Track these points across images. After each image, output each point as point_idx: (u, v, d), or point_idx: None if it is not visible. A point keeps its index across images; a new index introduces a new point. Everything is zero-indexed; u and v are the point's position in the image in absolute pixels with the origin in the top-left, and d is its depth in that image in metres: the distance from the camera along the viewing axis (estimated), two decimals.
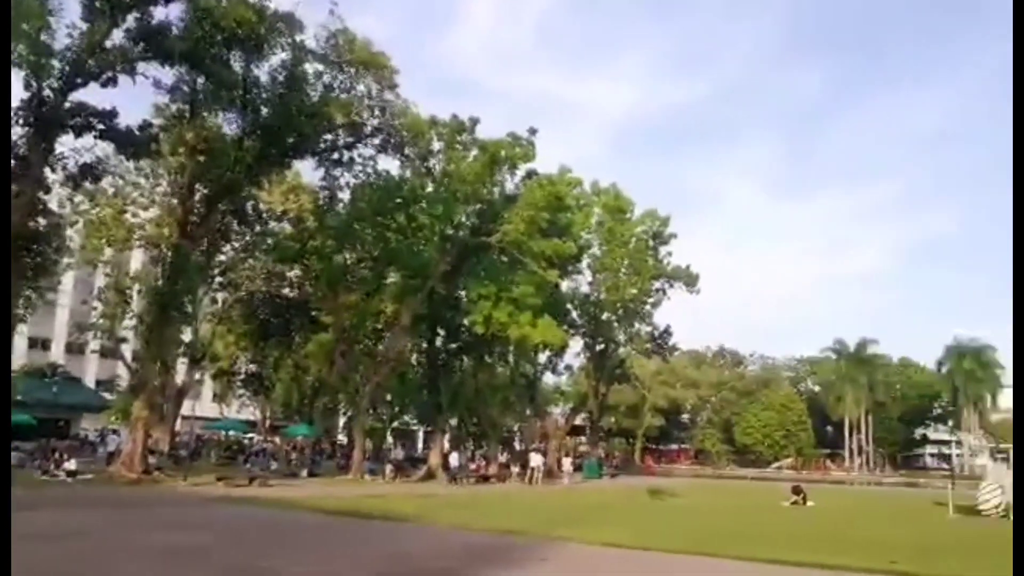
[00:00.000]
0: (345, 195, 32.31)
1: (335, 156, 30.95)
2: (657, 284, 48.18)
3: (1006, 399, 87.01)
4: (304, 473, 30.90)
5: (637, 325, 50.06)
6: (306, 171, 31.83)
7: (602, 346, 49.73)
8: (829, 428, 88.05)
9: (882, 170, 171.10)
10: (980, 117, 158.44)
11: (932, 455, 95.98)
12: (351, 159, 31.34)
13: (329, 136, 30.28)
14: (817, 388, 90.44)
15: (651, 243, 47.65)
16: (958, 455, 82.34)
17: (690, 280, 48.04)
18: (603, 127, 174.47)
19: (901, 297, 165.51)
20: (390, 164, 42.72)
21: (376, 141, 31.24)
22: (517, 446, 56.58)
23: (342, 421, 50.91)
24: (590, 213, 45.73)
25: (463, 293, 35.14)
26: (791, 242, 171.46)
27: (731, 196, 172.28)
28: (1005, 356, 78.35)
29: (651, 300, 48.74)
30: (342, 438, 48.63)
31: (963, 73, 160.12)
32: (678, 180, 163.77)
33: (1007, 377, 77.16)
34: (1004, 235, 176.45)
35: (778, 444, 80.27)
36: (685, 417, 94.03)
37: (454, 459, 35.66)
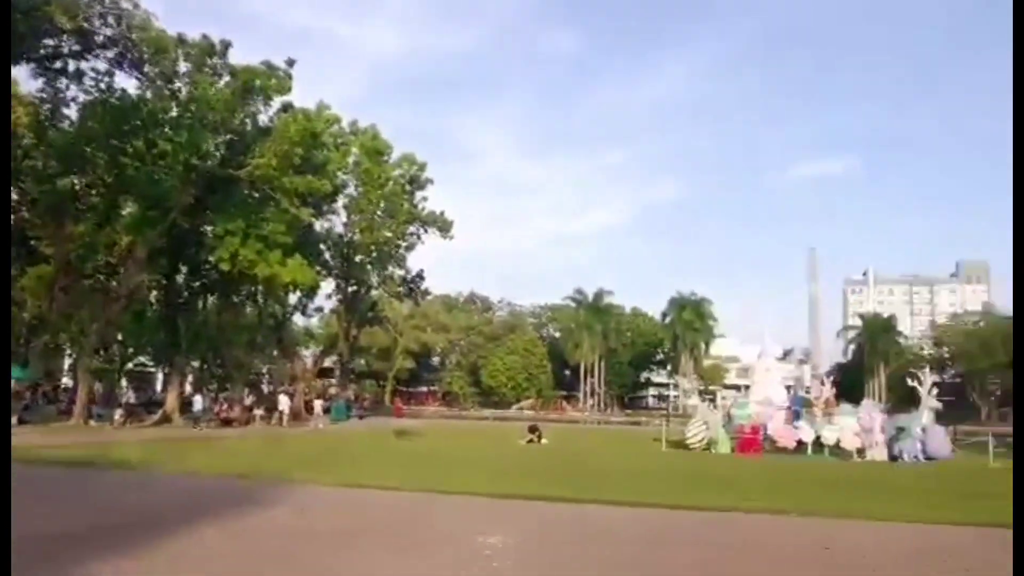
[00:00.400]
0: (73, 112, 30.47)
1: (59, 65, 29.16)
2: (412, 228, 50.44)
3: (717, 347, 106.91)
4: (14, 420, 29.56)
5: (390, 268, 51.93)
6: (23, 78, 29.35)
7: (354, 288, 51.15)
8: (567, 372, 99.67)
9: (622, 137, 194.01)
10: (713, 92, 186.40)
11: (654, 396, 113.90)
12: (79, 71, 29.67)
13: (51, 41, 28.46)
14: (558, 334, 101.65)
15: (407, 187, 49.47)
16: (675, 396, 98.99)
17: (444, 226, 50.86)
18: (366, 69, 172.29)
19: (635, 254, 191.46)
20: (128, 83, 39.88)
21: (110, 54, 29.82)
22: (265, 389, 56.98)
23: (68, 363, 47.34)
24: (347, 152, 46.40)
25: (209, 228, 34.26)
26: (539, 197, 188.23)
27: (486, 149, 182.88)
28: (719, 309, 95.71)
29: (405, 244, 50.88)
30: (68, 381, 45.51)
31: (701, 48, 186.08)
32: (436, 128, 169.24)
33: (720, 328, 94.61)
34: (721, 204, 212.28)
35: (520, 386, 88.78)
36: (435, 360, 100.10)
37: (197, 402, 35.52)
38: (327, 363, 58.28)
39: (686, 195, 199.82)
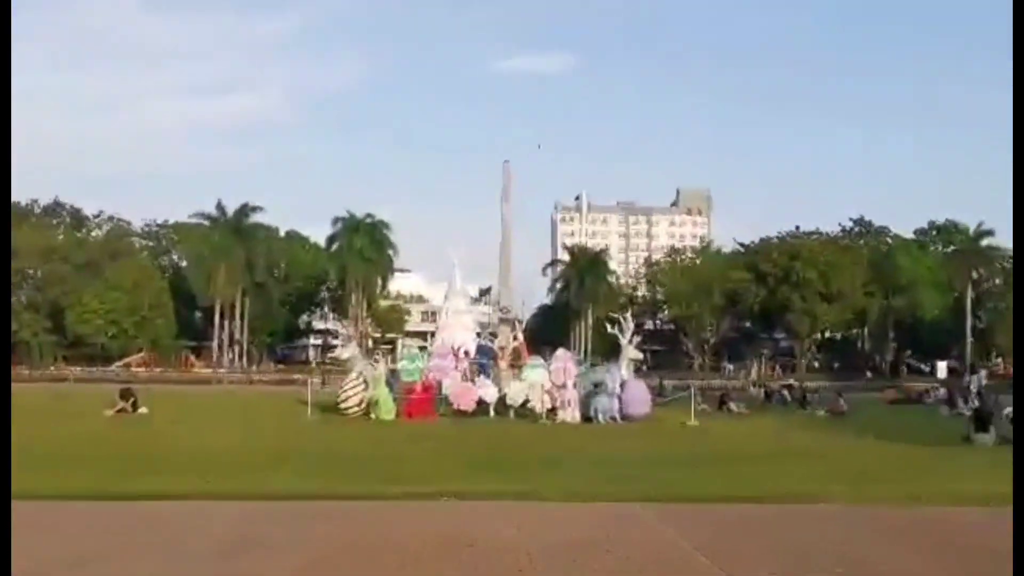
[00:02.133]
0: None
1: None
2: None
3: (398, 285, 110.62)
4: None
5: None
6: None
7: None
8: (198, 314, 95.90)
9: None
10: None
11: (316, 347, 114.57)
12: None
13: None
14: (184, 263, 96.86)
15: None
16: (340, 346, 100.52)
17: None
18: None
19: (295, 159, 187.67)
20: None
21: None
22: None
23: None
24: None
25: None
26: (162, 67, 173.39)
27: None
28: (402, 237, 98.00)
29: None
30: None
31: None
32: None
33: (402, 260, 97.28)
34: (412, 101, 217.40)
35: (127, 334, 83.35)
36: None
37: None
38: None
39: (368, 84, 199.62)
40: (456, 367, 31.81)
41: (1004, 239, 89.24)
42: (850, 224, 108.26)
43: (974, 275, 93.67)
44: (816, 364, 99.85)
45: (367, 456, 18.23)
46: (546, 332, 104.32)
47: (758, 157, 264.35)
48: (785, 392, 43.18)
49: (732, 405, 35.54)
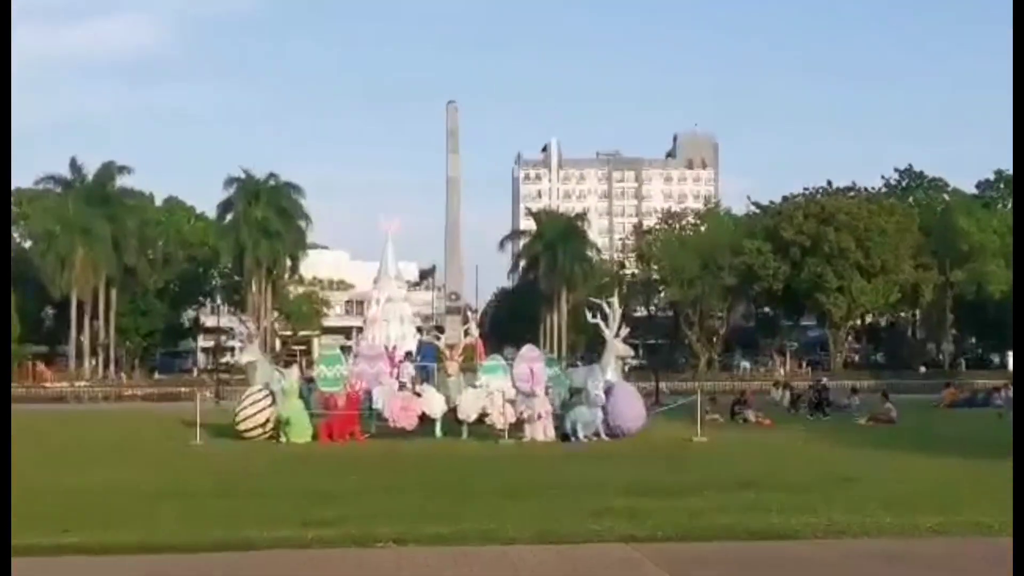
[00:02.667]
0: None
1: None
2: None
3: (314, 266, 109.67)
4: None
5: None
6: None
7: None
8: (49, 310, 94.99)
9: None
10: None
11: (207, 350, 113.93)
12: None
13: None
14: (28, 243, 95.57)
15: None
16: (240, 348, 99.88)
17: None
18: None
19: (173, 104, 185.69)
20: None
21: None
22: None
23: None
24: None
25: None
26: None
27: None
28: (317, 204, 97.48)
29: None
30: None
31: None
32: None
33: (318, 234, 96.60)
34: (315, 20, 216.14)
35: None
36: None
37: None
38: None
39: (270, 9, 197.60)
40: (391, 372, 31.67)
41: None
42: (896, 176, 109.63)
43: None
44: (855, 358, 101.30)
45: (276, 492, 18.16)
46: (508, 325, 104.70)
47: (776, 93, 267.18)
48: (818, 394, 43.41)
49: (749, 414, 35.84)
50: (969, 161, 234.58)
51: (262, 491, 18.32)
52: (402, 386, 30.98)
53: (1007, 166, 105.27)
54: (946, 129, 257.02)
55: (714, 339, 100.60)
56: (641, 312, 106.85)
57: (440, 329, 35.77)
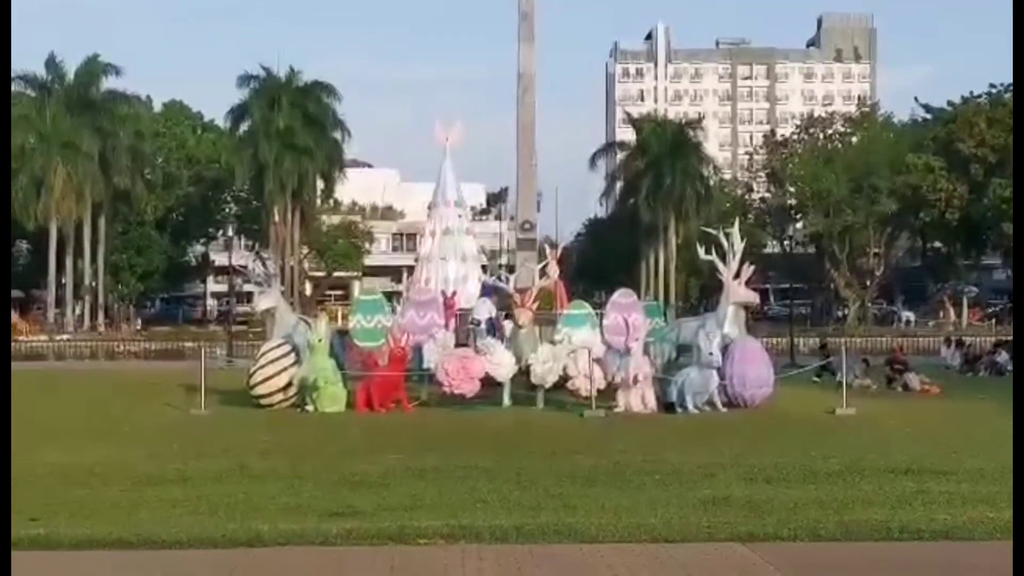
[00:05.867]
0: None
1: None
2: None
3: (350, 187, 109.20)
4: None
5: None
6: None
7: None
8: (24, 246, 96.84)
9: None
10: None
11: (218, 296, 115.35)
12: None
13: None
14: None
15: None
16: (258, 292, 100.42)
17: None
18: None
19: None
20: None
21: None
22: None
23: None
24: None
25: None
26: None
27: None
28: (351, 108, 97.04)
29: None
30: None
31: None
32: None
33: (356, 148, 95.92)
34: None
35: None
36: None
37: None
38: None
39: None
40: (447, 324, 31.83)
41: None
42: None
43: None
44: None
45: (297, 474, 18.38)
46: (601, 264, 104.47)
47: None
48: (1003, 355, 43.23)
49: (911, 378, 35.50)
50: None
51: (278, 473, 18.56)
52: (461, 340, 31.09)
53: None
54: None
55: (868, 283, 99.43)
56: (774, 248, 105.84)
57: (510, 270, 35.55)
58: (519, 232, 36.60)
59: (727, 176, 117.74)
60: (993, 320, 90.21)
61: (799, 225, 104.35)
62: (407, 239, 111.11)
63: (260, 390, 29.69)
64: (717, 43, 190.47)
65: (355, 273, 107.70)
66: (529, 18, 36.20)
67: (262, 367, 30.09)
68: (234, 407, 29.41)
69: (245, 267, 40.47)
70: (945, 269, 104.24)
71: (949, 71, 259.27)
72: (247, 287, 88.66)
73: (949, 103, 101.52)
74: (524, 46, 36.32)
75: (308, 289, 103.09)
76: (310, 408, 28.81)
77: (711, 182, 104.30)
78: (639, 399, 28.67)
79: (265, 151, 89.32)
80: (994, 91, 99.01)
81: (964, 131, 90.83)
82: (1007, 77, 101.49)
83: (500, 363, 29.45)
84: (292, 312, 33.86)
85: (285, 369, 29.73)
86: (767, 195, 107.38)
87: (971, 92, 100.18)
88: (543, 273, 34.49)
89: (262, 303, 32.85)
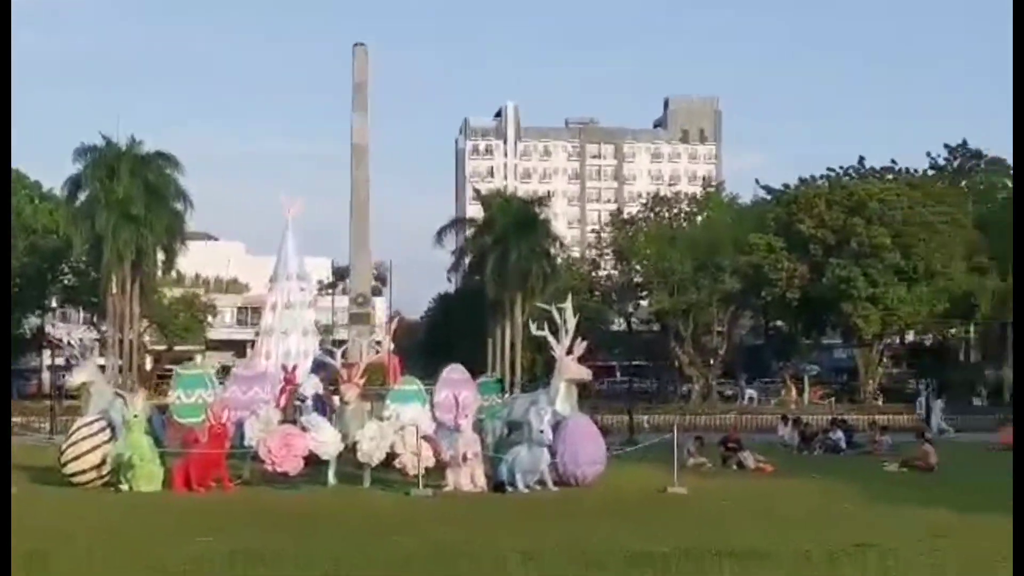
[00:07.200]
0: None
1: None
2: None
3: (196, 262, 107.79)
4: None
5: None
6: None
7: None
8: None
9: None
10: None
11: (54, 369, 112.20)
12: None
13: None
14: None
15: None
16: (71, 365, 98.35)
17: None
18: None
19: (16, 45, 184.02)
20: None
21: None
22: None
23: None
24: None
25: None
26: None
27: None
28: (194, 179, 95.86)
29: None
30: None
31: None
32: None
33: (200, 220, 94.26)
34: None
35: None
36: None
37: None
38: None
39: None
40: (285, 400, 31.62)
41: None
42: (945, 155, 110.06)
43: None
44: (892, 384, 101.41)
45: (94, 560, 17.90)
46: (448, 341, 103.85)
47: (794, 46, 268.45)
48: (838, 434, 43.94)
49: (745, 456, 35.59)
50: None
51: (74, 558, 18.07)
52: (287, 416, 30.46)
53: None
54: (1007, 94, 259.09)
55: (712, 361, 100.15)
56: (620, 325, 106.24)
57: (337, 344, 35.02)
58: (351, 306, 36.06)
59: (575, 254, 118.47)
60: (833, 399, 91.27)
61: (644, 303, 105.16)
62: (252, 312, 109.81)
63: (72, 468, 28.68)
64: (566, 122, 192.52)
65: (198, 347, 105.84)
66: (362, 89, 35.95)
67: (74, 443, 29.14)
68: (47, 486, 28.44)
69: (61, 341, 39.95)
70: (787, 348, 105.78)
71: (790, 154, 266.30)
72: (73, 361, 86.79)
73: (785, 186, 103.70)
74: (357, 116, 36.10)
75: (148, 363, 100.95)
76: (124, 487, 27.89)
77: (558, 260, 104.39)
78: (468, 478, 28.28)
79: (103, 221, 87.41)
80: (832, 173, 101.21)
81: (804, 212, 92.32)
82: (846, 160, 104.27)
83: (325, 440, 28.85)
84: (109, 386, 32.74)
85: (99, 446, 28.82)
86: (614, 273, 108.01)
87: (811, 175, 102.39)
88: (375, 348, 34.11)
89: (77, 377, 31.95)
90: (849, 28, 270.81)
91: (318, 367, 34.14)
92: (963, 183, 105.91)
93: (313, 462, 28.95)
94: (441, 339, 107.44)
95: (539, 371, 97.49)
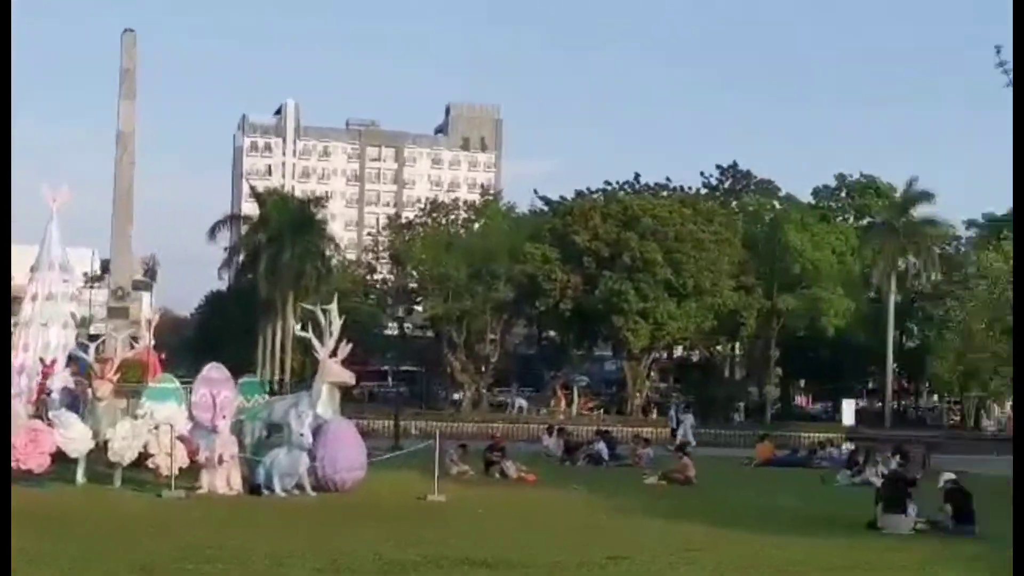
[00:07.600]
0: None
1: None
2: None
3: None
4: None
5: None
6: None
7: None
8: None
9: None
10: None
11: None
12: None
13: None
14: None
15: None
16: None
17: None
18: None
19: None
20: None
21: None
22: None
23: None
24: None
25: None
26: None
27: None
28: None
29: None
30: None
31: None
32: None
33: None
34: None
35: None
36: None
37: None
38: None
39: None
40: (40, 393, 30.85)
41: (946, 208, 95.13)
42: (717, 175, 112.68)
43: (901, 264, 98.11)
44: (658, 397, 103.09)
45: None
46: (218, 340, 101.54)
47: (577, 55, 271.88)
48: (601, 445, 44.29)
49: (508, 465, 35.62)
50: (806, 162, 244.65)
51: None
52: (36, 412, 29.35)
53: (852, 170, 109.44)
54: (782, 123, 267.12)
55: (484, 368, 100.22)
56: (394, 330, 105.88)
57: (92, 338, 33.83)
58: (110, 300, 34.82)
59: (352, 256, 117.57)
60: (601, 410, 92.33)
61: (419, 308, 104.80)
62: (14, 303, 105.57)
63: None
64: (347, 123, 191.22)
65: None
66: (130, 75, 34.88)
67: None
68: None
69: None
70: (559, 358, 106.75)
71: (568, 166, 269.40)
72: None
73: (562, 198, 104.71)
74: (124, 104, 34.99)
75: None
76: None
77: (333, 261, 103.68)
78: (224, 480, 27.57)
79: None
80: (609, 188, 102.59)
81: (580, 224, 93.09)
82: (622, 175, 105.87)
83: (74, 437, 27.74)
84: None
85: None
86: (389, 277, 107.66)
87: (588, 188, 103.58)
88: (132, 343, 33.03)
89: None
90: (630, 48, 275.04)
91: (70, 361, 32.98)
92: (733, 203, 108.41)
93: (64, 460, 27.89)
94: (211, 337, 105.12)
95: (308, 373, 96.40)
